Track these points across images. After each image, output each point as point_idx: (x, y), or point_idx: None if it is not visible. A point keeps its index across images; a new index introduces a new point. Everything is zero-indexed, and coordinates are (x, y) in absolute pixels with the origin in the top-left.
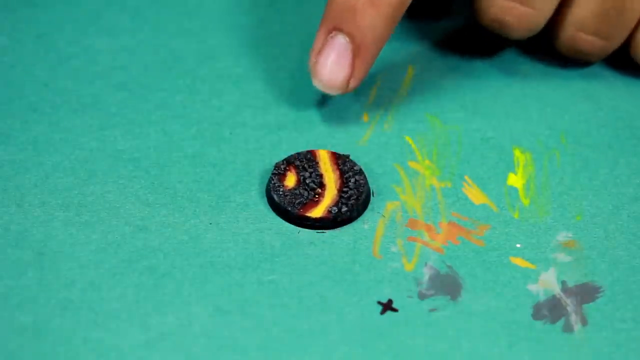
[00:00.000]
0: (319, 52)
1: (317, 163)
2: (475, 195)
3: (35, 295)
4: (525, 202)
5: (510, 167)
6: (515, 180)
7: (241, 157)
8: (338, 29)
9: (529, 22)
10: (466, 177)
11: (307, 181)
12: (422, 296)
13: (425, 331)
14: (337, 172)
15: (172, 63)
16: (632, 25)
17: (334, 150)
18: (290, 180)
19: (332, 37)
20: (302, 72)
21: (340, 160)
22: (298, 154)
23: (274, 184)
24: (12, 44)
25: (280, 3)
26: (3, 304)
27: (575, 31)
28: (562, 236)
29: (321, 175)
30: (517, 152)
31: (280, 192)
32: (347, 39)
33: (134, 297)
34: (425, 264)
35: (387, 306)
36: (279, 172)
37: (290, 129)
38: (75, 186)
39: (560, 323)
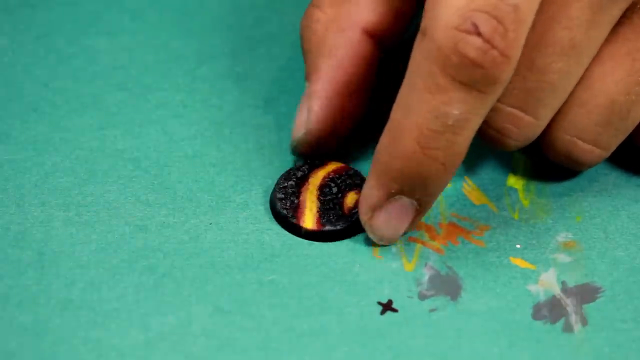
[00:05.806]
0: (377, 208)
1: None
2: (475, 195)
3: (35, 295)
4: (525, 202)
5: (510, 167)
6: (515, 181)
7: (241, 157)
8: (406, 195)
9: (529, 132)
10: (466, 178)
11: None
12: (422, 296)
13: (425, 331)
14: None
15: (172, 63)
16: (628, 133)
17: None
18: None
19: (396, 199)
20: (302, 72)
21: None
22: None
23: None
24: (12, 44)
25: (279, 3)
26: (3, 304)
27: (572, 139)
28: (562, 237)
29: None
30: (516, 153)
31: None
32: (414, 203)
33: (134, 297)
34: (425, 264)
35: (387, 306)
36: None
37: (290, 129)
38: (75, 186)
39: (560, 323)
